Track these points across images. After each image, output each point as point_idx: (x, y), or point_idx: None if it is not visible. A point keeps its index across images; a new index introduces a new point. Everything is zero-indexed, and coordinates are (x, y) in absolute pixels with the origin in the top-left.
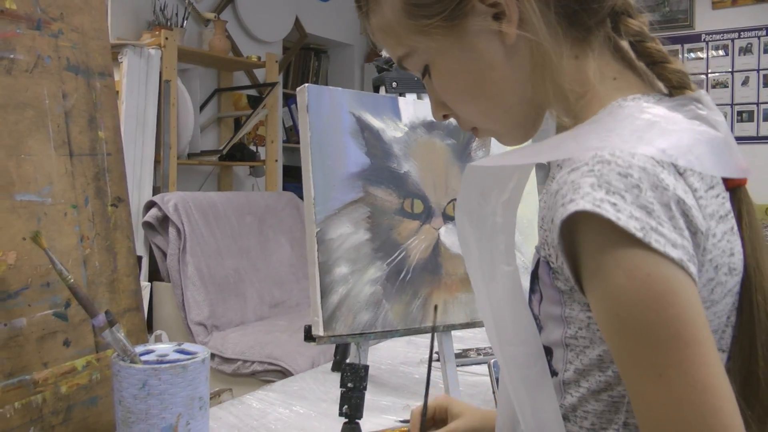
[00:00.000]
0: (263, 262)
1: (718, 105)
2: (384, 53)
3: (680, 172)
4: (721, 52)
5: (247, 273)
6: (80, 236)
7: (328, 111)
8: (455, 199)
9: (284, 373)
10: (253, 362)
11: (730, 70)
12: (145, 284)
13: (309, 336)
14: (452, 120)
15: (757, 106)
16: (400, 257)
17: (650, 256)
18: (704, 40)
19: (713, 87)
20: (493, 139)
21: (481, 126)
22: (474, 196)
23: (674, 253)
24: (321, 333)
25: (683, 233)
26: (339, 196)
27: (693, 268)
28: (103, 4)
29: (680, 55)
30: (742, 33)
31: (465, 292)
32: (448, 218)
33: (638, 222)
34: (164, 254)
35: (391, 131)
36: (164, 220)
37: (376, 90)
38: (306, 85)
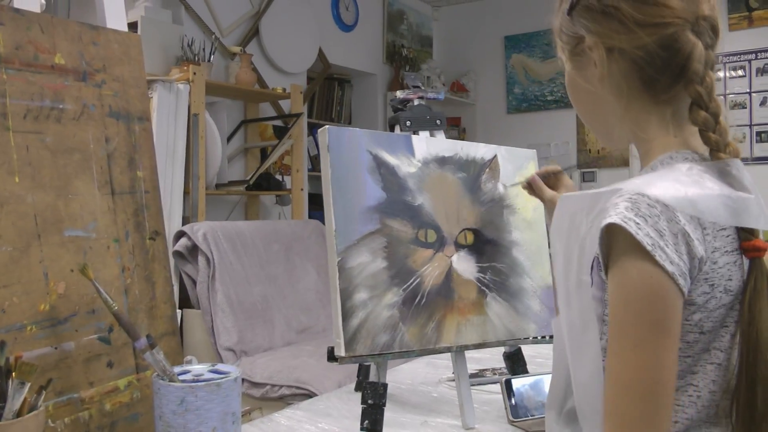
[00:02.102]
0: (290, 288)
1: (737, 126)
2: (398, 95)
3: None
4: (740, 72)
5: (275, 299)
6: (122, 267)
7: (347, 150)
8: (467, 229)
9: (311, 396)
10: (281, 386)
11: (748, 90)
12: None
13: (332, 357)
14: (463, 155)
15: None
16: (415, 283)
17: (653, 265)
18: (722, 62)
19: (732, 108)
20: (501, 171)
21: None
22: (565, 219)
23: (670, 268)
24: (343, 354)
25: (682, 256)
26: (358, 228)
27: (682, 281)
28: (141, 54)
29: None
30: (759, 54)
31: (477, 314)
32: (460, 246)
33: (651, 239)
34: (194, 282)
35: (406, 167)
36: (194, 249)
37: (392, 128)
38: (327, 126)
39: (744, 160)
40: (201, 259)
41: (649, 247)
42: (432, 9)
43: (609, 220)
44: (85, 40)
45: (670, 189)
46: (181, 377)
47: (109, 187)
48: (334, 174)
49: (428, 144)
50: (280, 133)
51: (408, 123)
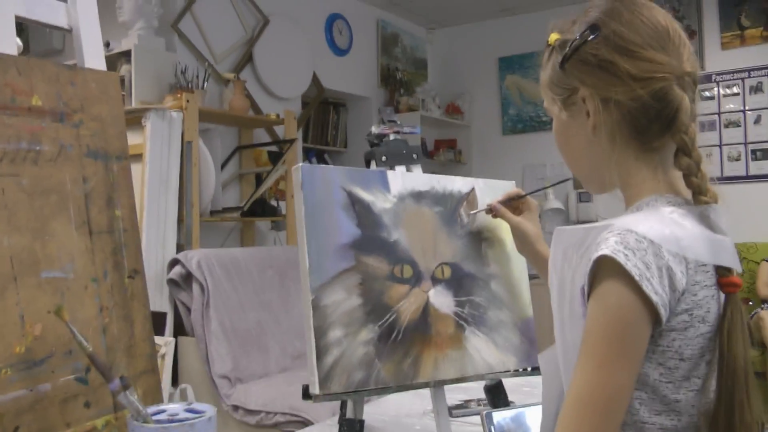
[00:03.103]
0: (285, 314)
1: (732, 144)
2: (374, 130)
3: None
4: (735, 89)
5: (269, 326)
6: (100, 307)
7: (321, 188)
8: (444, 263)
9: (306, 424)
10: (275, 413)
11: (742, 108)
12: (170, 339)
13: (306, 394)
14: (439, 188)
15: None
16: (391, 319)
17: (634, 293)
18: (715, 80)
19: (726, 127)
20: (479, 204)
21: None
22: (559, 253)
23: (654, 298)
24: (317, 392)
25: (665, 288)
26: (332, 266)
27: (663, 311)
28: (119, 92)
29: None
30: (751, 72)
31: (455, 349)
32: (437, 281)
33: (638, 270)
34: (188, 309)
35: (381, 203)
36: (188, 277)
37: (368, 164)
38: (299, 164)
39: (740, 178)
40: (195, 287)
41: (636, 278)
42: (426, 32)
43: (600, 252)
44: (62, 81)
45: (656, 227)
46: (156, 417)
47: (87, 227)
48: (307, 212)
49: (404, 179)
50: (275, 158)
51: (384, 158)
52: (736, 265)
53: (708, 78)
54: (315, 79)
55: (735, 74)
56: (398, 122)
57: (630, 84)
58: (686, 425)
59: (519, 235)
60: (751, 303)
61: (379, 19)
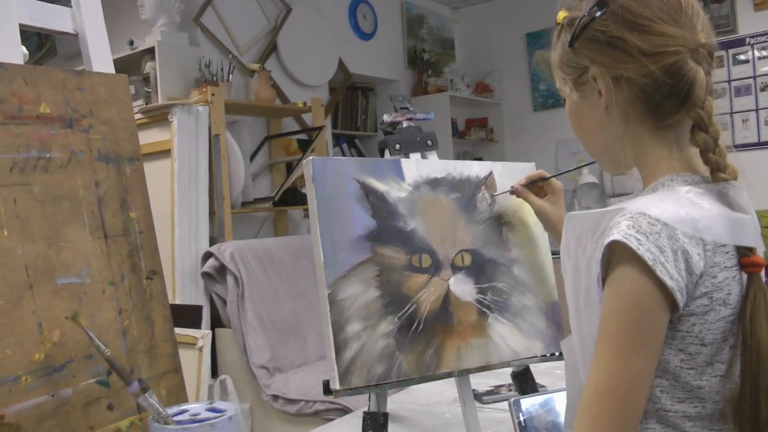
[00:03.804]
0: None
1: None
2: (386, 118)
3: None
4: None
5: (306, 314)
6: (118, 309)
7: (333, 180)
8: (463, 250)
9: (346, 411)
10: (315, 402)
11: None
12: (206, 332)
13: (327, 390)
14: (456, 174)
15: None
16: (410, 310)
17: (648, 279)
18: (749, 43)
19: (762, 90)
20: (498, 187)
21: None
22: (572, 240)
23: (669, 283)
24: (338, 387)
25: (681, 272)
26: (348, 259)
27: (679, 296)
28: (128, 94)
29: (725, 60)
30: None
31: (478, 337)
32: (456, 269)
33: (652, 254)
34: (224, 302)
35: (395, 192)
36: (222, 269)
37: (382, 153)
38: (310, 158)
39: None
40: (229, 279)
41: (650, 262)
42: (451, 11)
43: (612, 237)
44: (69, 87)
45: (671, 209)
46: (177, 417)
47: (102, 231)
48: (319, 206)
49: (419, 167)
50: (305, 146)
51: (397, 146)
52: (758, 244)
53: (741, 41)
54: (341, 65)
55: None
56: (411, 108)
57: (641, 60)
58: (711, 412)
59: (542, 218)
60: None
61: (403, 1)
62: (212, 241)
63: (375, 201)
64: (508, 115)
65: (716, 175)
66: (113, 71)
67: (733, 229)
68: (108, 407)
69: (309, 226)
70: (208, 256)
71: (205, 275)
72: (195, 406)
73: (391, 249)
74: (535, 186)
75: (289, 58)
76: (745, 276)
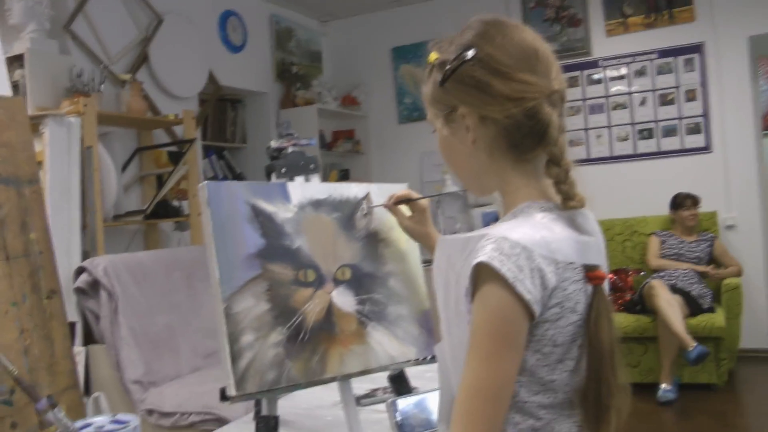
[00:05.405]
0: (193, 314)
1: (620, 125)
2: (272, 144)
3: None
4: (623, 71)
5: (179, 327)
6: (21, 329)
7: (226, 203)
8: (344, 265)
9: (221, 422)
10: (190, 414)
11: (628, 91)
12: (80, 349)
13: (224, 396)
14: (336, 195)
15: (656, 123)
16: (298, 321)
17: (512, 294)
18: (601, 66)
19: (614, 109)
20: (376, 210)
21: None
22: (443, 259)
23: (527, 296)
24: (234, 393)
25: (537, 287)
26: (241, 275)
27: (535, 307)
28: (27, 117)
29: (580, 80)
30: (635, 57)
31: (359, 344)
32: (338, 282)
33: (512, 273)
34: (97, 317)
35: (283, 213)
36: (95, 284)
37: (269, 176)
38: (205, 182)
39: (628, 156)
40: (103, 294)
41: (511, 280)
42: (320, 24)
43: (479, 259)
44: None
45: (529, 233)
46: (84, 431)
47: (4, 252)
48: (214, 227)
49: (303, 189)
50: (176, 158)
51: (283, 170)
52: (601, 261)
53: (595, 63)
54: (211, 77)
55: (620, 59)
56: (295, 135)
57: (504, 103)
58: (562, 401)
59: (407, 233)
60: (642, 273)
61: (272, 14)
62: (84, 255)
63: (264, 221)
64: (375, 127)
65: (566, 203)
66: (10, 93)
67: (579, 250)
68: (11, 426)
69: (179, 238)
70: (80, 271)
71: (78, 290)
72: (100, 419)
73: (279, 265)
74: (404, 204)
75: (160, 69)
76: (590, 288)
